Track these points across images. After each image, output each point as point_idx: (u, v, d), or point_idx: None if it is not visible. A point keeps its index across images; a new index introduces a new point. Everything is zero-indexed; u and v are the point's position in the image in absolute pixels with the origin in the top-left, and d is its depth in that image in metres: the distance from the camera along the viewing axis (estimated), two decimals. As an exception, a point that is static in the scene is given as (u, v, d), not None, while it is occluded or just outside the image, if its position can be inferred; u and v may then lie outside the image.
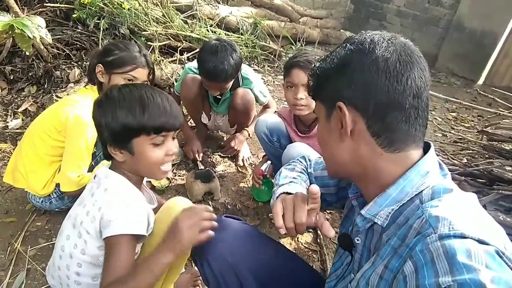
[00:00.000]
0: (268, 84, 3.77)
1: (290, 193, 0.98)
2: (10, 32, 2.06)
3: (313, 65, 0.86)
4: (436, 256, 0.57)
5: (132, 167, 1.09)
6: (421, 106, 0.73)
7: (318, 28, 5.18)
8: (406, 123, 0.72)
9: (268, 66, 4.11)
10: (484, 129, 1.86)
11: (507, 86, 4.67)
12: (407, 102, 0.71)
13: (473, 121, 3.77)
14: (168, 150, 1.09)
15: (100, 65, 1.61)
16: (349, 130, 0.75)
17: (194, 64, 2.23)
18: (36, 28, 2.07)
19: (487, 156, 1.86)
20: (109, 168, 1.11)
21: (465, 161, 2.01)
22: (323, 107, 0.82)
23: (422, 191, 0.72)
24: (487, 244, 0.57)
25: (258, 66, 4.05)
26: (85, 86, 1.73)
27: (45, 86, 2.58)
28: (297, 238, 1.88)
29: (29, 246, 1.63)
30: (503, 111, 1.99)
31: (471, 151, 1.99)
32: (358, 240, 0.87)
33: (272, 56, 4.21)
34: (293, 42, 4.29)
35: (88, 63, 1.89)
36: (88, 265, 1.06)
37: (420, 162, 0.74)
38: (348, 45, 0.77)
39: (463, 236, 0.58)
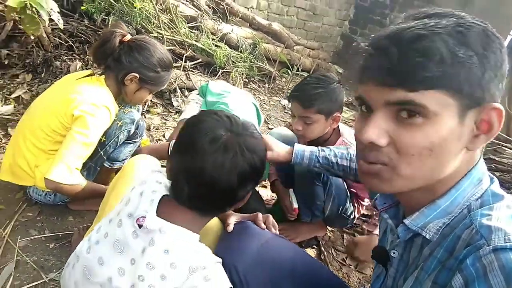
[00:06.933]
0: (264, 103, 3.79)
1: None
2: (19, 11, 1.96)
3: (425, 39, 0.56)
4: (490, 270, 0.52)
5: None
6: None
7: (310, 58, 5.35)
8: None
9: (263, 86, 4.15)
10: (491, 157, 1.92)
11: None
12: None
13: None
14: None
15: (136, 74, 1.46)
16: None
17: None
18: (49, 11, 1.98)
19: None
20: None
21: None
22: (452, 102, 0.57)
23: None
24: None
25: (255, 85, 4.08)
26: (89, 75, 1.49)
27: (42, 76, 2.44)
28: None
29: (19, 237, 1.45)
30: (505, 143, 2.07)
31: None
32: (394, 253, 0.79)
33: (268, 78, 4.27)
34: (289, 66, 4.37)
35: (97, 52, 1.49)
36: None
37: (473, 170, 0.67)
38: (483, 26, 0.58)
39: None
